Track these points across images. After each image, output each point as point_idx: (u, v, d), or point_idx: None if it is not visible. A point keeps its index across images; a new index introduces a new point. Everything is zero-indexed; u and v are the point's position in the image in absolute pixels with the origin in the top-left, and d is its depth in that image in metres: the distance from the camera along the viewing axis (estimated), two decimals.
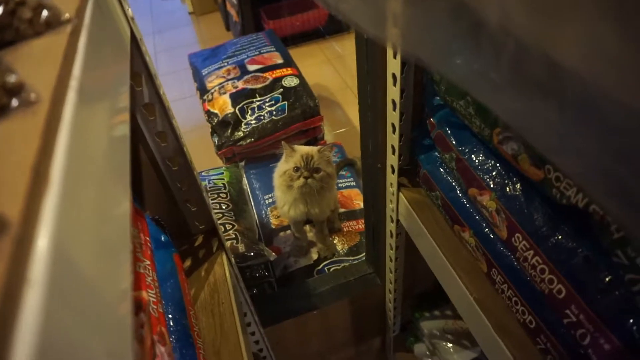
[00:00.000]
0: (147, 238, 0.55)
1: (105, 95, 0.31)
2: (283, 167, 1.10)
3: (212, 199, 1.35)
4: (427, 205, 0.76)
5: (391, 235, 0.92)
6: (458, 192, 0.67)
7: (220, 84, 1.74)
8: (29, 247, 0.17)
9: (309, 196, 1.13)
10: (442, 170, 0.71)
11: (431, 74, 0.68)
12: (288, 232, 1.34)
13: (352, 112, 2.08)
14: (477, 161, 0.60)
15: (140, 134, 0.62)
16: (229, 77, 1.77)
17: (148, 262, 0.52)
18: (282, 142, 1.10)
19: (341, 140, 1.83)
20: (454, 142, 0.65)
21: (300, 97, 1.64)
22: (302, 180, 1.07)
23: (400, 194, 0.81)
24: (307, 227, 1.35)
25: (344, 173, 1.54)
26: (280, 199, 1.17)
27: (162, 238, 0.62)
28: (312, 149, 1.10)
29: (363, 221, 1.32)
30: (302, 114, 1.61)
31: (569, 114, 0.21)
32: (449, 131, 0.66)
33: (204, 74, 1.84)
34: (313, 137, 1.69)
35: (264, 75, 1.74)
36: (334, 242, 1.31)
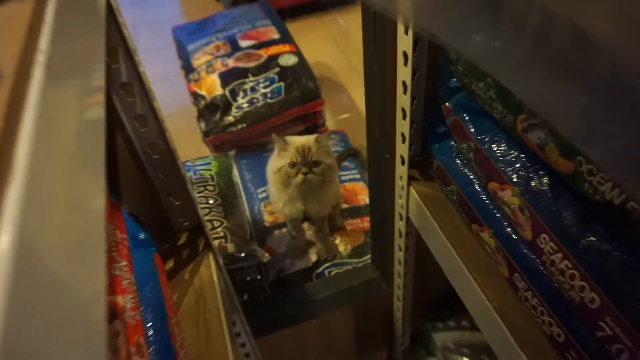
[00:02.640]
0: (124, 236, 0.56)
1: (77, 72, 0.31)
2: (277, 162, 1.10)
3: (198, 193, 1.35)
4: (441, 201, 0.76)
5: (400, 235, 0.92)
6: (476, 186, 0.67)
7: (208, 61, 1.74)
8: None
9: (308, 192, 1.13)
10: (458, 161, 0.71)
11: (447, 53, 0.68)
12: (284, 230, 1.35)
13: (358, 96, 2.08)
14: (498, 152, 0.60)
15: (117, 118, 0.62)
16: (218, 54, 1.77)
17: (125, 263, 0.52)
18: (273, 134, 1.10)
19: (345, 127, 1.83)
20: (472, 130, 0.64)
21: (299, 77, 1.63)
22: (300, 177, 1.07)
23: (411, 188, 0.81)
24: (306, 225, 1.35)
25: (347, 164, 1.54)
26: (275, 196, 1.17)
27: (141, 236, 0.63)
28: (308, 139, 1.10)
29: (368, 219, 1.33)
30: (301, 97, 1.60)
31: (602, 97, 0.21)
32: (466, 117, 0.66)
33: (189, 50, 1.83)
34: (313, 124, 1.69)
35: (258, 52, 1.73)
36: (336, 242, 1.31)
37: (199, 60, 1.77)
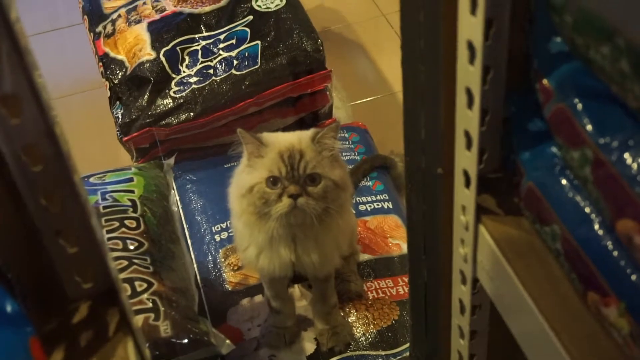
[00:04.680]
0: None
1: None
2: (246, 178, 1.11)
3: (109, 231, 1.34)
4: (535, 252, 0.76)
5: (462, 310, 0.92)
6: (597, 226, 0.66)
7: (130, 3, 1.76)
8: None
9: (300, 230, 1.13)
10: (564, 182, 0.71)
11: None
12: (257, 298, 1.34)
13: (389, 66, 2.09)
14: (635, 167, 0.60)
15: None
16: None
17: None
18: (239, 130, 1.10)
19: (366, 119, 1.84)
20: (589, 129, 0.64)
21: (288, 32, 1.64)
22: (286, 202, 1.07)
23: (481, 227, 0.80)
24: (297, 290, 1.34)
25: (369, 184, 1.54)
26: (243, 238, 1.17)
27: (8, 307, 0.62)
28: (299, 138, 1.10)
29: (406, 280, 1.32)
30: (292, 65, 1.61)
31: None
32: (579, 106, 0.66)
33: None
34: (311, 112, 1.70)
35: None
36: (349, 320, 1.30)
37: (114, 1, 1.78)
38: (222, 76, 1.59)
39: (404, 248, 1.39)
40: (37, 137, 0.66)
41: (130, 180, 1.49)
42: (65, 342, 0.76)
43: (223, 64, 1.61)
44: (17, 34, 0.59)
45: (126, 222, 1.37)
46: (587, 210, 0.68)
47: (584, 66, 0.66)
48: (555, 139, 0.71)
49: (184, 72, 1.61)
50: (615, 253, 0.64)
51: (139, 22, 1.69)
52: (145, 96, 1.59)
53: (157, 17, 1.69)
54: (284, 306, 1.29)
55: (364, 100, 2.01)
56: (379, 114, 1.92)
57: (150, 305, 1.21)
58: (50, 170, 0.68)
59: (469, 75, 0.72)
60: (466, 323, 0.93)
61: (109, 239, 1.33)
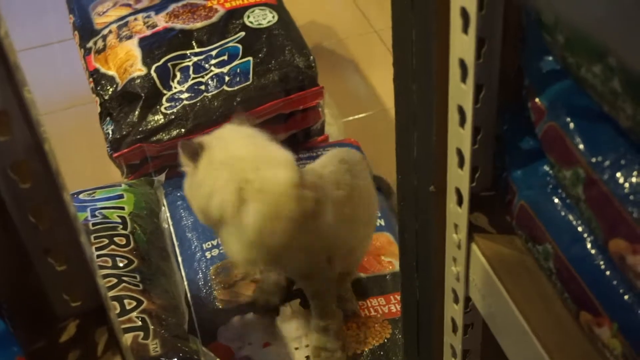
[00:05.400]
0: None
1: None
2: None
3: (99, 248, 1.34)
4: (527, 271, 0.76)
5: (454, 329, 0.92)
6: (589, 245, 0.66)
7: (121, 19, 1.75)
8: None
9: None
10: (557, 200, 0.71)
11: (538, 11, 0.68)
12: (248, 316, 1.34)
13: (381, 82, 2.09)
14: (627, 186, 0.60)
15: None
16: (138, 5, 1.78)
17: None
18: (180, 142, 1.13)
19: (358, 135, 1.84)
20: (581, 147, 0.64)
21: (280, 48, 1.64)
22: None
23: (474, 246, 0.80)
24: (288, 310, 1.34)
25: None
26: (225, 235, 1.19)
27: None
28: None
29: (398, 298, 1.32)
30: (283, 82, 1.61)
31: None
32: (571, 125, 0.66)
33: None
34: (303, 129, 1.70)
35: (209, 3, 1.75)
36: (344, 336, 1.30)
37: (105, 16, 1.78)
38: (214, 92, 1.59)
39: (397, 266, 1.38)
40: (26, 154, 0.65)
41: (121, 197, 1.49)
42: None
43: (215, 80, 1.61)
44: (7, 49, 0.59)
45: (116, 239, 1.36)
46: (580, 229, 0.68)
47: (576, 85, 0.66)
48: (548, 158, 0.71)
49: (175, 88, 1.61)
50: (608, 273, 0.64)
51: (130, 37, 1.69)
52: (136, 112, 1.58)
53: (148, 32, 1.69)
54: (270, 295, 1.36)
55: (356, 116, 2.01)
56: (371, 131, 1.93)
57: (140, 323, 1.20)
58: (39, 188, 0.68)
59: (461, 93, 0.73)
60: (458, 342, 0.92)
61: (98, 256, 1.32)
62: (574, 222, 0.68)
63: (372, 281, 1.39)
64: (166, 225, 1.51)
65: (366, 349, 1.28)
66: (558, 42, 0.65)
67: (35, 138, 0.65)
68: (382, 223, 1.49)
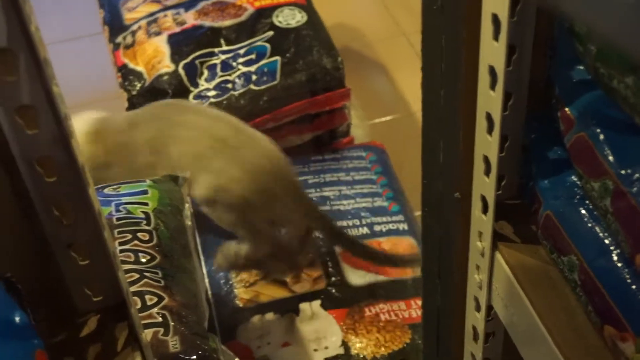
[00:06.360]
0: None
1: None
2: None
3: (122, 243, 1.34)
4: (551, 281, 0.75)
5: (475, 337, 0.92)
6: (615, 257, 0.66)
7: (151, 14, 1.76)
8: None
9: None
10: (584, 212, 0.70)
11: (569, 21, 0.68)
12: (268, 315, 1.34)
13: (409, 85, 2.08)
14: None
15: None
16: (168, 2, 1.79)
17: None
18: None
19: (384, 138, 1.84)
20: (610, 159, 0.64)
21: (308, 49, 1.64)
22: None
23: (498, 254, 0.80)
24: (308, 308, 1.34)
25: (385, 204, 1.54)
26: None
27: (17, 318, 0.62)
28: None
29: (419, 303, 1.31)
30: (310, 82, 1.61)
31: None
32: (601, 136, 0.65)
33: None
34: (328, 131, 1.69)
35: (238, 1, 1.75)
36: (354, 338, 1.30)
37: (136, 11, 1.79)
38: (241, 91, 1.59)
39: (418, 271, 1.38)
40: (53, 148, 0.66)
41: (145, 192, 1.49)
42: (72, 356, 0.75)
43: (242, 79, 1.61)
44: (37, 44, 0.59)
45: (139, 234, 1.36)
46: (606, 242, 0.67)
47: (607, 96, 0.66)
48: (576, 168, 0.70)
49: (202, 85, 1.61)
50: (634, 287, 0.64)
51: (158, 34, 1.69)
52: None
53: (177, 29, 1.69)
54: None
55: (382, 119, 2.00)
56: (397, 134, 1.92)
57: (160, 319, 1.20)
58: (64, 182, 0.68)
59: (489, 100, 0.72)
60: (479, 350, 0.92)
61: (121, 251, 1.32)
62: (601, 235, 0.68)
63: (393, 285, 1.38)
64: (189, 223, 1.51)
65: (386, 353, 1.28)
66: (590, 52, 0.65)
67: (62, 132, 0.65)
68: (406, 227, 1.49)
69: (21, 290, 0.65)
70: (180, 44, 1.66)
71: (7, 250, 0.72)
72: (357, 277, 1.41)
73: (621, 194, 0.63)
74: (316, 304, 1.37)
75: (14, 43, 0.59)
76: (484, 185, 0.78)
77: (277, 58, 1.63)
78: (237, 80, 1.61)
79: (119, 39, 1.74)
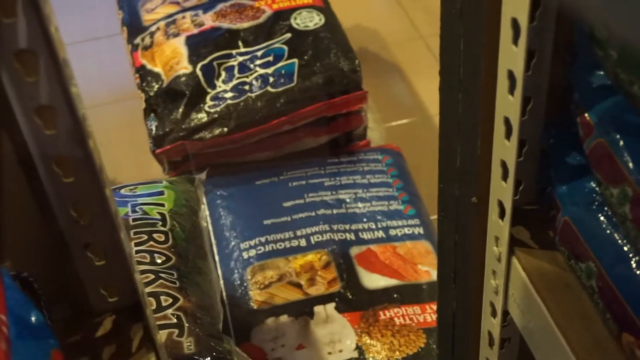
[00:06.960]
0: (2, 316, 0.55)
1: None
2: None
3: (138, 244, 1.35)
4: (569, 288, 0.75)
5: (491, 343, 0.91)
6: (633, 265, 0.66)
7: (170, 16, 1.76)
8: None
9: None
10: (602, 218, 0.70)
11: (590, 27, 0.67)
12: (283, 317, 1.34)
13: (426, 89, 2.08)
14: None
15: (5, 109, 0.62)
16: (187, 3, 1.79)
17: None
18: None
19: (400, 141, 1.83)
20: (630, 166, 0.63)
21: (326, 51, 1.64)
22: None
23: (514, 260, 0.80)
24: (323, 311, 1.34)
25: (401, 207, 1.53)
26: None
27: (34, 318, 0.62)
28: None
29: (434, 308, 1.31)
30: (327, 84, 1.61)
31: None
32: (620, 142, 0.65)
33: None
34: (345, 133, 1.69)
35: (256, 3, 1.75)
36: (377, 342, 1.29)
37: (153, 13, 1.79)
38: (258, 93, 1.59)
39: (433, 275, 1.37)
40: (71, 149, 0.66)
41: (161, 193, 1.49)
42: (87, 356, 0.76)
43: (259, 81, 1.61)
44: (56, 45, 0.60)
45: (155, 235, 1.37)
46: (625, 249, 0.67)
47: (627, 101, 0.65)
48: (595, 174, 0.70)
49: (219, 87, 1.61)
50: None
51: (177, 35, 1.70)
52: (180, 109, 1.59)
53: (195, 31, 1.69)
54: None
55: (399, 122, 2.00)
56: (414, 137, 1.91)
57: (175, 320, 1.21)
58: (81, 182, 0.68)
59: (508, 105, 0.72)
60: (494, 356, 0.92)
61: (137, 252, 1.33)
62: (619, 242, 0.67)
63: (408, 289, 1.38)
64: (205, 224, 1.51)
65: (400, 357, 1.28)
66: (610, 57, 0.65)
67: (80, 133, 0.65)
68: (421, 231, 1.48)
69: (37, 289, 0.65)
70: (198, 45, 1.67)
71: (24, 250, 0.72)
72: (371, 280, 1.41)
73: None
74: (330, 306, 1.37)
75: (34, 44, 0.59)
76: (502, 190, 0.78)
77: (295, 60, 1.63)
78: (254, 82, 1.61)
79: (138, 40, 1.74)
